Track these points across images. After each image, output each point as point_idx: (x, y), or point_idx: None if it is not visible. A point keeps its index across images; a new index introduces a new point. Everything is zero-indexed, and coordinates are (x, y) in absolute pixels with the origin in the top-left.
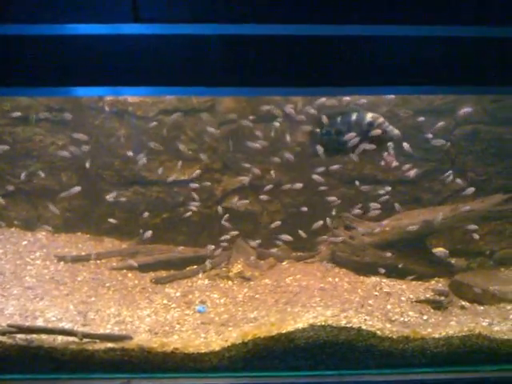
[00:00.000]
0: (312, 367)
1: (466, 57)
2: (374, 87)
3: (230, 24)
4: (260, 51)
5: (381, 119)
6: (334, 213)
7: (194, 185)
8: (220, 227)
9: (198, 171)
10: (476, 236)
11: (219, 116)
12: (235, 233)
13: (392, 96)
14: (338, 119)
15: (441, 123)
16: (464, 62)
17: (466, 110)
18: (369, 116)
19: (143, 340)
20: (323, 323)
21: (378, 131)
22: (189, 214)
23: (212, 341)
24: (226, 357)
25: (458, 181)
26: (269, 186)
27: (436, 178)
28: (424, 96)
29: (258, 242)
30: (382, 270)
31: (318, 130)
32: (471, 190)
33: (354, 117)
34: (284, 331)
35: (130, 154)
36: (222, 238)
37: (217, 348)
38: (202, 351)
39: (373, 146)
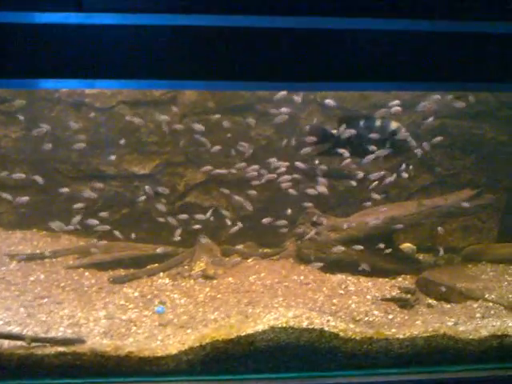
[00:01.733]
0: (273, 370)
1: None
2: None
3: (179, 14)
4: (206, 43)
5: (403, 129)
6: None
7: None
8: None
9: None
10: (441, 230)
11: (181, 108)
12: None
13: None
14: (361, 123)
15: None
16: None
17: (424, 104)
18: (394, 125)
19: (97, 343)
20: (284, 325)
21: (402, 137)
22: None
23: (169, 344)
24: (184, 360)
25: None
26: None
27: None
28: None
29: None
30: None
31: (334, 130)
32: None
33: (378, 123)
34: (243, 334)
35: (88, 146)
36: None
37: (174, 351)
38: (159, 355)
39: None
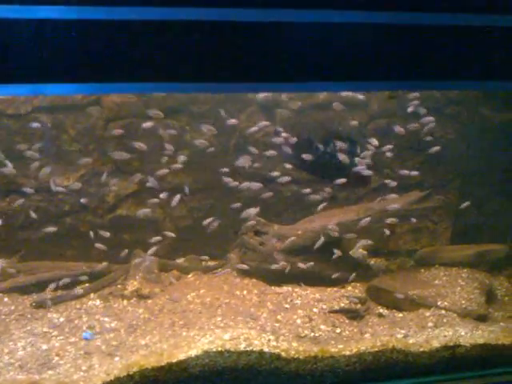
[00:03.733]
0: None
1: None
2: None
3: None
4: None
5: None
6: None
7: None
8: (116, 238)
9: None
10: (387, 232)
11: (106, 112)
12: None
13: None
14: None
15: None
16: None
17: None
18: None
19: (9, 380)
20: (220, 348)
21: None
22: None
23: (94, 374)
24: None
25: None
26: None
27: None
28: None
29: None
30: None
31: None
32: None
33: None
34: (175, 360)
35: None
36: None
37: (98, 383)
38: None
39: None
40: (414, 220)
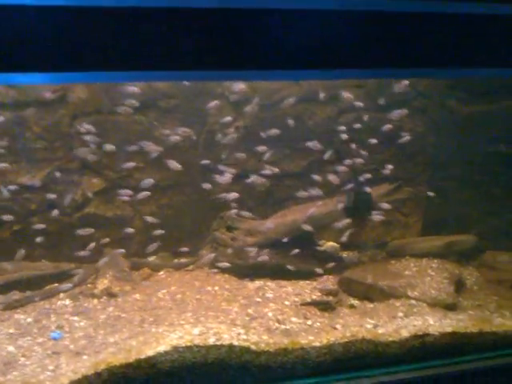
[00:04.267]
0: None
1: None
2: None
3: None
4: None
5: None
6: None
7: None
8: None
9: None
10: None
11: (71, 108)
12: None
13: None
14: None
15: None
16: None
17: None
18: None
19: None
20: (188, 344)
21: None
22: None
23: (61, 374)
24: None
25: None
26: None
27: (322, 169)
28: (305, 82)
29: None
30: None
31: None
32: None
33: None
34: (144, 356)
35: None
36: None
37: (65, 382)
38: None
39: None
40: (385, 206)
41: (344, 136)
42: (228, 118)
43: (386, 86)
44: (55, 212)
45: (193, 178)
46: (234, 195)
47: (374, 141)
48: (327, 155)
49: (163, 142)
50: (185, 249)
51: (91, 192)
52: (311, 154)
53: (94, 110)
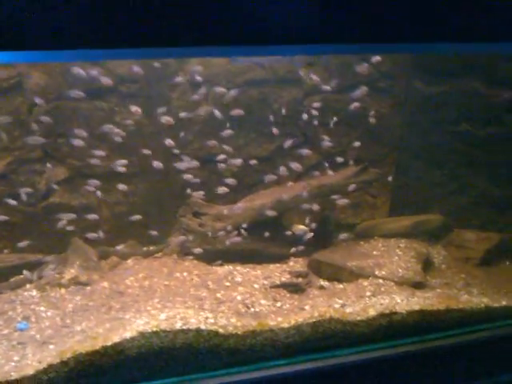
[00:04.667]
0: (150, 377)
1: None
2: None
3: None
4: None
5: None
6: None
7: None
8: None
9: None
10: (316, 207)
11: (30, 95)
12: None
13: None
14: None
15: None
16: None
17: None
18: None
19: None
20: (155, 329)
21: None
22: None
23: (26, 364)
24: (44, 380)
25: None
26: None
27: (290, 153)
28: (268, 64)
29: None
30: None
31: None
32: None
33: None
34: (110, 343)
35: None
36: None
37: (31, 372)
38: (12, 378)
39: None
40: (351, 189)
41: (309, 118)
42: (191, 102)
43: (349, 67)
44: (18, 202)
45: (157, 165)
46: (197, 181)
47: (339, 123)
48: (287, 143)
49: (125, 128)
50: (154, 232)
51: (55, 181)
52: (278, 137)
53: (54, 96)
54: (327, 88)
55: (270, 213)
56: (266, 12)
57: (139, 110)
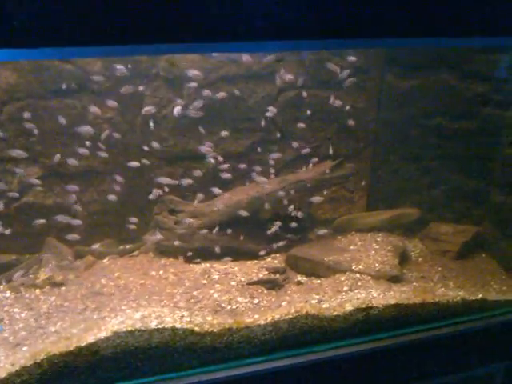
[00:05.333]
0: (127, 377)
1: None
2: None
3: None
4: None
5: None
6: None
7: None
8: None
9: None
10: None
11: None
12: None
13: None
14: None
15: None
16: None
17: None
18: None
19: None
20: (130, 328)
21: None
22: None
23: None
24: (18, 383)
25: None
26: None
27: (266, 148)
28: (243, 60)
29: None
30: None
31: None
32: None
33: None
34: (84, 344)
35: None
36: None
37: (3, 375)
38: None
39: None
40: (325, 187)
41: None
42: (165, 99)
43: (322, 62)
44: None
45: (132, 162)
46: (168, 180)
47: (314, 118)
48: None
49: (98, 126)
50: (132, 226)
51: (29, 180)
52: (254, 133)
53: (23, 95)
54: (301, 83)
55: (243, 213)
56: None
57: (115, 104)
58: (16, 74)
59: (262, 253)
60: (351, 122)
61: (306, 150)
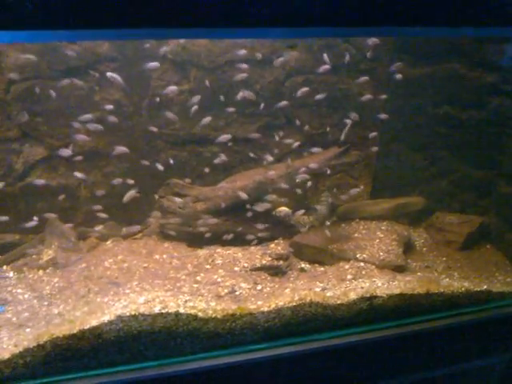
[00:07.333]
0: (129, 360)
1: None
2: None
3: None
4: None
5: None
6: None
7: None
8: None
9: None
10: (299, 191)
11: (7, 73)
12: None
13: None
14: None
15: None
16: None
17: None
18: None
19: None
20: (133, 312)
21: None
22: None
23: (2, 348)
24: (21, 364)
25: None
26: None
27: (271, 133)
28: (250, 45)
29: None
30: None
31: None
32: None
33: None
34: (88, 327)
35: None
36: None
37: (7, 356)
38: None
39: None
40: (328, 172)
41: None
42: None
43: (331, 48)
44: None
45: (137, 144)
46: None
47: (321, 105)
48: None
49: (104, 107)
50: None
51: (33, 160)
52: (260, 118)
53: (30, 75)
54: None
55: (243, 195)
56: None
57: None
58: (24, 52)
59: (265, 238)
60: (358, 110)
61: (313, 136)
